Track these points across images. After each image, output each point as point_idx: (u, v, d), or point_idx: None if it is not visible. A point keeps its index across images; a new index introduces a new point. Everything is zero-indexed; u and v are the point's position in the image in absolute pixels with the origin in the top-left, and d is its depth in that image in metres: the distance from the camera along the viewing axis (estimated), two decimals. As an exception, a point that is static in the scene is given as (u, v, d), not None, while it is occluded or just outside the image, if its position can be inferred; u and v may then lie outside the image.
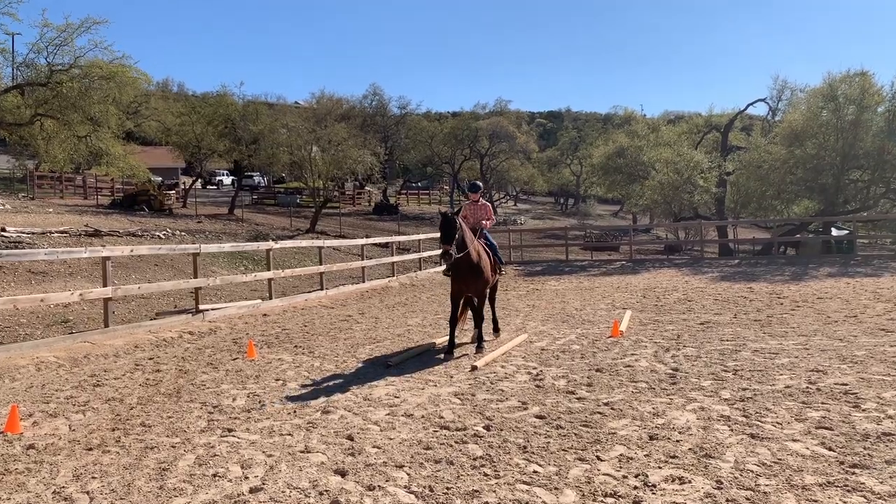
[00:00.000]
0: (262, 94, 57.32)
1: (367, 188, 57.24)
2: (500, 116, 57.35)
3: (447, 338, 8.77)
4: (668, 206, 29.08)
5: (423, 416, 5.82)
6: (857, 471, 4.32)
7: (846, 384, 6.43)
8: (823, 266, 19.33)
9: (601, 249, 33.21)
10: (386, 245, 25.47)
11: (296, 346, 9.41)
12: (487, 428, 5.42)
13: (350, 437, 5.27)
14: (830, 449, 4.72)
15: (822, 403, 5.83)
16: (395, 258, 20.19)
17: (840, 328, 9.55)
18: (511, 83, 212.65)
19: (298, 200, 47.01)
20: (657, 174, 28.27)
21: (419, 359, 8.40)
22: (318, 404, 6.29)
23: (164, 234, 24.90)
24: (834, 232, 28.52)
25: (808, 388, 6.37)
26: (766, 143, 28.42)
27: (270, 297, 13.88)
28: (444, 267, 8.63)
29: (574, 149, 64.18)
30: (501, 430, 5.38)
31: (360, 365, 8.09)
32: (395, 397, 6.50)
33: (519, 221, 49.72)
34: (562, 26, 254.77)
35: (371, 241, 21.38)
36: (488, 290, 9.48)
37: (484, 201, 9.97)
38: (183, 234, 26.24)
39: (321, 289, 15.69)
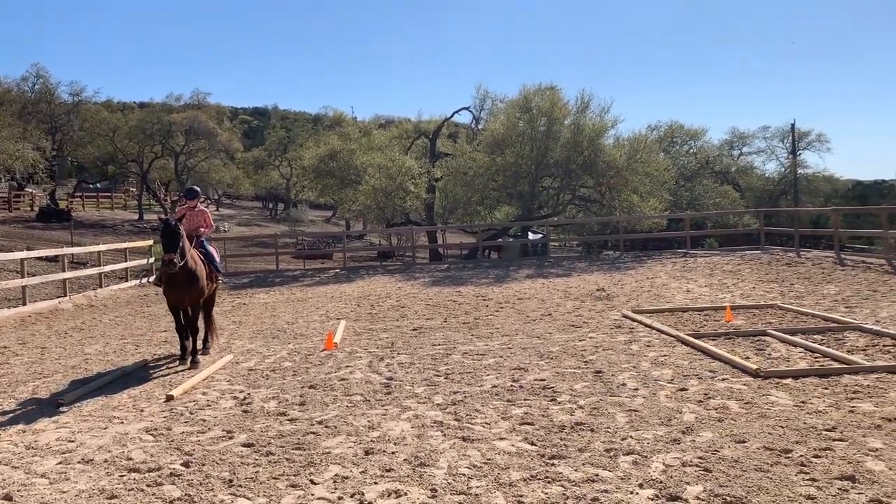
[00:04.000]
0: None
1: (28, 190, 50.31)
2: (199, 110, 54.57)
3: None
4: (381, 211, 30.27)
5: (106, 461, 5.27)
6: (555, 461, 4.91)
7: (544, 379, 7.31)
8: (522, 268, 21.77)
9: (314, 257, 33.45)
10: (55, 259, 22.59)
11: (-73, 391, 7.89)
12: (187, 465, 5.10)
13: (8, 497, 4.57)
14: (533, 443, 5.31)
15: (525, 400, 6.55)
16: (68, 274, 18.03)
17: (538, 326, 10.83)
18: (209, 75, 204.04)
19: (-69, 204, 39.70)
20: (370, 179, 29.31)
21: (101, 392, 7.60)
22: (-39, 461, 5.34)
23: None
24: (531, 236, 32.34)
25: (512, 386, 7.10)
26: (470, 150, 31.07)
27: None
28: (154, 277, 8.68)
29: (283, 150, 63.70)
30: (203, 464, 5.09)
31: (20, 407, 7.06)
32: (70, 441, 5.79)
33: (223, 229, 47.83)
34: (265, 19, 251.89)
35: (34, 254, 18.78)
36: (203, 301, 9.60)
37: (202, 207, 10.19)
38: None
39: (-35, 315, 13.39)
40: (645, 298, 13.69)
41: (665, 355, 8.26)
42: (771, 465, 4.66)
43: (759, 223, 25.51)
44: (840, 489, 4.24)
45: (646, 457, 4.93)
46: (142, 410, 6.79)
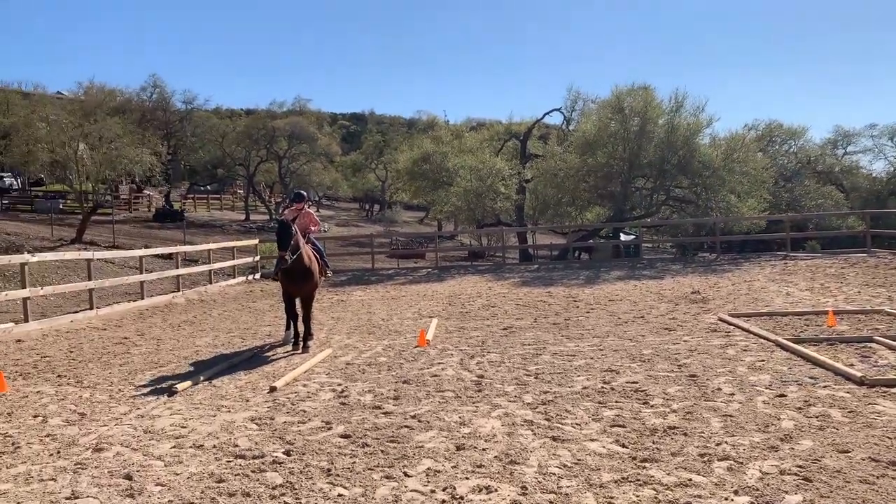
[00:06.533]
0: (14, 81, 50.91)
1: (146, 192, 53.40)
2: (300, 116, 56.50)
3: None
4: (471, 212, 30.37)
5: (214, 447, 5.52)
6: (647, 465, 4.80)
7: (636, 382, 7.14)
8: (614, 270, 21.35)
9: (407, 257, 33.92)
10: (169, 256, 23.91)
11: (59, 376, 8.49)
12: (288, 453, 5.28)
13: (128, 477, 4.86)
14: (624, 446, 5.20)
15: (616, 402, 6.42)
16: (181, 271, 19.03)
17: (630, 328, 10.59)
18: (309, 81, 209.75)
19: (62, 206, 42.65)
20: (461, 181, 29.46)
21: (210, 382, 7.97)
22: (89, 441, 5.72)
23: None
24: (623, 237, 31.65)
25: (603, 387, 6.98)
26: (561, 151, 30.73)
27: (26, 320, 12.42)
28: (271, 272, 9.46)
29: (379, 153, 64.99)
30: (304, 453, 5.26)
31: (139, 393, 7.49)
32: (182, 427, 6.10)
33: (322, 229, 49.24)
34: (363, 26, 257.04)
35: (151, 251, 19.94)
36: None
37: (307, 209, 10.86)
38: None
39: (91, 308, 14.34)
40: (742, 302, 13.15)
41: (763, 360, 7.92)
42: (877, 478, 4.39)
43: (864, 225, 24.08)
44: (955, 506, 3.95)
45: (741, 463, 4.74)
46: (247, 400, 7.07)
